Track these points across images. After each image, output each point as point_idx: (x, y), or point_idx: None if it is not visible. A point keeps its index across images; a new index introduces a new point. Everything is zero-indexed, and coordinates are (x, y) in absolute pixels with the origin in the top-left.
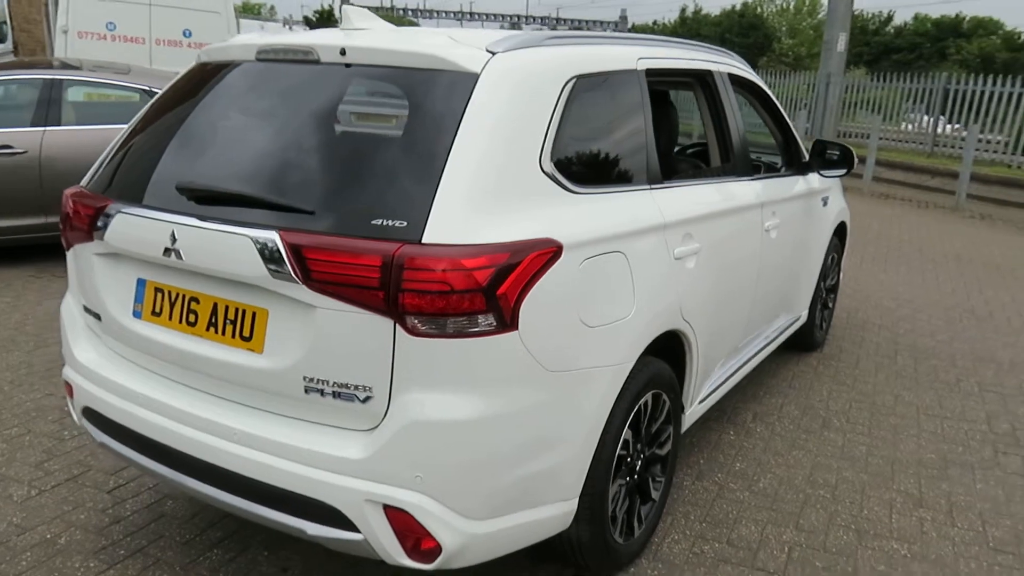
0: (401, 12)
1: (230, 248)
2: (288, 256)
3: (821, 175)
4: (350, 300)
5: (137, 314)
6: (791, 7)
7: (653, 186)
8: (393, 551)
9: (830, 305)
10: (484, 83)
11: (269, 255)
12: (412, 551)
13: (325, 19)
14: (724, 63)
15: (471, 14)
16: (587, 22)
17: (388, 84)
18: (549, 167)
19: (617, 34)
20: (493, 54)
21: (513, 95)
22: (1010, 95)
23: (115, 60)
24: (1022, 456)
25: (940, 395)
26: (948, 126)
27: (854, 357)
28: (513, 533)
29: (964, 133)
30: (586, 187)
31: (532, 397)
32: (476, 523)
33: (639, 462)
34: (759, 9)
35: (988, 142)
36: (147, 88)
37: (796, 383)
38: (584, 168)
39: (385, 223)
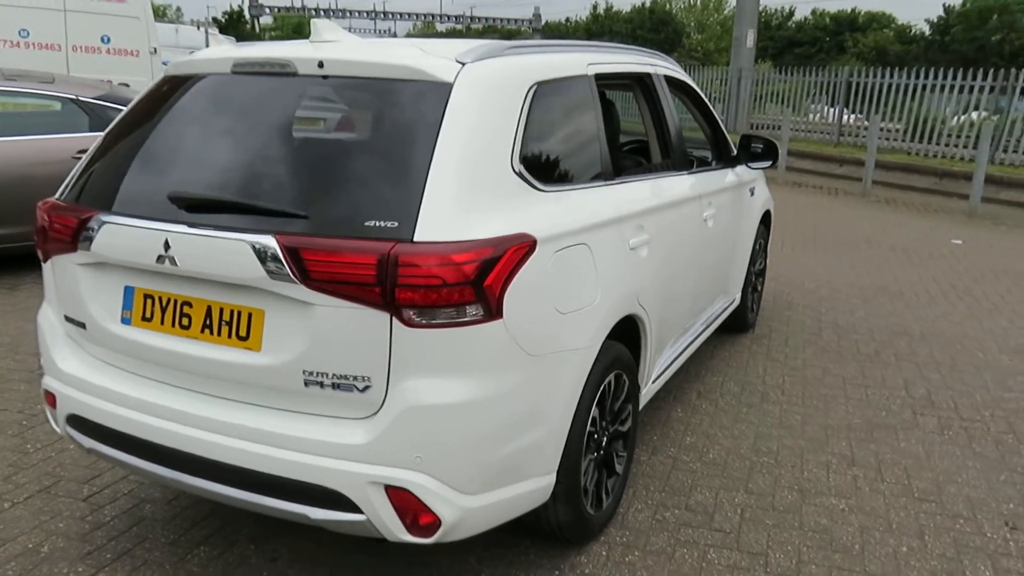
0: (313, 12)
1: (227, 253)
2: (285, 258)
3: (749, 167)
4: (348, 297)
5: (126, 321)
6: (698, 3)
7: (608, 182)
8: (394, 528)
9: (759, 288)
10: (458, 92)
11: (266, 258)
12: (412, 527)
13: (235, 21)
14: (660, 65)
15: (384, 13)
16: (501, 20)
17: (366, 94)
18: (519, 167)
19: (568, 42)
20: (463, 64)
21: (484, 102)
22: (906, 86)
23: (30, 68)
24: (937, 417)
25: (862, 366)
26: (851, 116)
27: (783, 335)
28: (502, 506)
29: (867, 123)
30: (551, 185)
31: (516, 379)
32: (470, 497)
33: (605, 438)
34: (668, 5)
35: (888, 131)
36: (73, 97)
37: (733, 362)
38: (548, 167)
39: (377, 224)
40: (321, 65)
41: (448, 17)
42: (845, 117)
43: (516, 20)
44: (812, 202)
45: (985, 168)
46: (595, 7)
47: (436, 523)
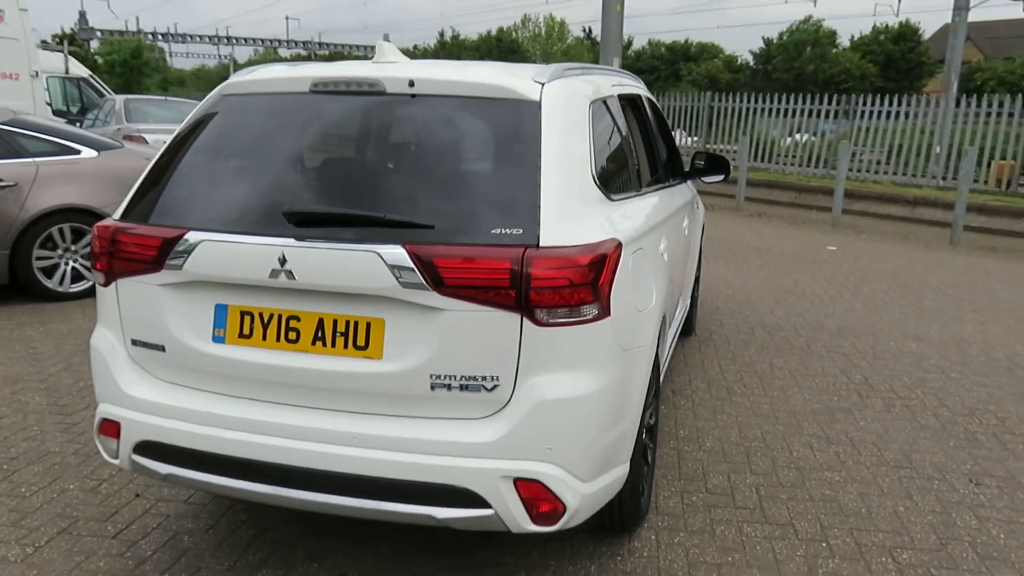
0: (150, 36)
1: (353, 264)
2: (417, 267)
3: (703, 181)
4: (481, 301)
5: (219, 339)
6: (543, 33)
7: (641, 192)
8: (521, 520)
9: (696, 294)
10: (546, 108)
11: (398, 267)
12: (538, 517)
13: (70, 43)
14: (642, 87)
15: (228, 38)
16: (349, 46)
17: (457, 111)
18: (595, 176)
19: (590, 65)
20: (542, 84)
21: (566, 117)
22: (746, 110)
23: None
24: (880, 398)
25: (801, 359)
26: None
27: (723, 336)
28: (601, 493)
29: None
30: (614, 194)
31: (617, 373)
32: (586, 485)
33: (645, 430)
34: (514, 35)
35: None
36: None
37: (690, 362)
38: (609, 177)
39: (503, 231)
40: (412, 84)
41: (295, 43)
42: (685, 140)
43: (364, 47)
44: None
45: (844, 183)
46: (442, 34)
47: (561, 511)
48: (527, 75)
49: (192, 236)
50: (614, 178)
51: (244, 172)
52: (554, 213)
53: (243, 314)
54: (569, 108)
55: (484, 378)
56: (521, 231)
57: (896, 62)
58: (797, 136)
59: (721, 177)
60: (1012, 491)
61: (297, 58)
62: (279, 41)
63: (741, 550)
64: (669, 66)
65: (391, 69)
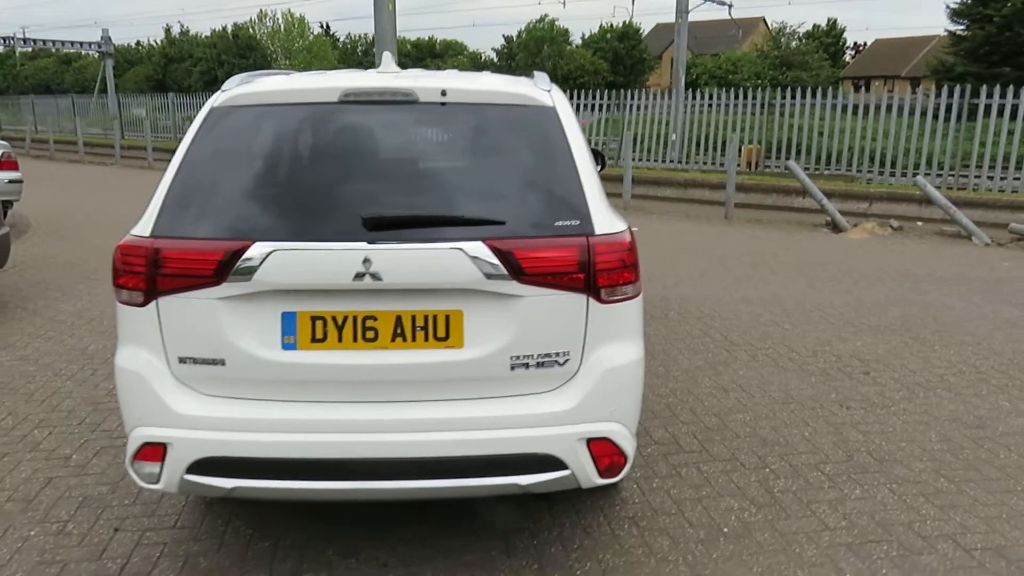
0: None
1: (439, 261)
2: (500, 259)
3: None
4: (554, 285)
5: (289, 346)
6: (282, 29)
7: None
8: (592, 476)
9: None
10: (561, 113)
11: (480, 260)
12: (604, 471)
13: None
14: None
15: None
16: (59, 43)
17: (488, 118)
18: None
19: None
20: (548, 91)
21: (572, 120)
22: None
23: None
24: (744, 351)
25: (666, 325)
26: None
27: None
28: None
29: None
30: None
31: (643, 341)
32: (634, 439)
33: None
34: (251, 30)
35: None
36: None
37: None
38: None
39: (564, 223)
40: (444, 93)
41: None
42: None
43: (80, 43)
44: None
45: (631, 170)
46: (168, 30)
47: (623, 463)
48: (528, 84)
49: (259, 247)
50: None
51: (297, 181)
52: (597, 204)
53: (314, 319)
54: (569, 111)
55: (557, 354)
56: (578, 222)
57: (623, 58)
58: None
59: (599, 169)
60: (872, 409)
61: None
62: None
63: (708, 485)
64: (416, 63)
65: (413, 79)
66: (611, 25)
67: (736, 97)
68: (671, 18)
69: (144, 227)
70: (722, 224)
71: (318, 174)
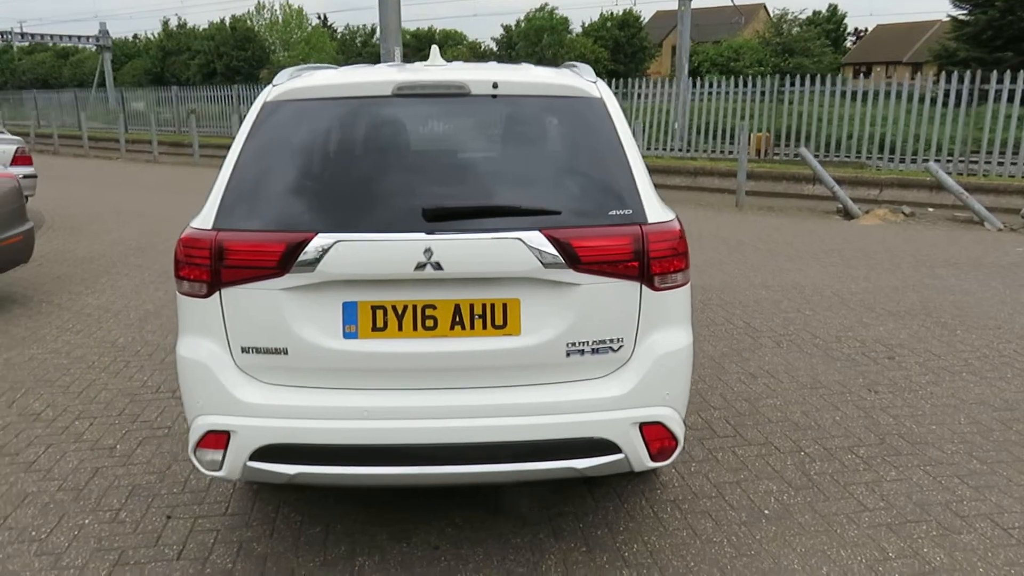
0: None
1: (499, 250)
2: (557, 248)
3: None
4: (609, 273)
5: (350, 335)
6: (280, 21)
7: None
8: (644, 459)
9: None
10: (609, 105)
11: (539, 250)
12: (656, 455)
13: None
14: None
15: None
16: (58, 36)
17: (539, 110)
18: None
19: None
20: (595, 83)
21: (619, 112)
22: None
23: None
24: (768, 337)
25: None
26: None
27: None
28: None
29: None
30: None
31: (691, 327)
32: (683, 424)
33: None
34: (249, 22)
35: None
36: None
37: None
38: None
39: (619, 212)
40: (495, 86)
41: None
42: None
43: (78, 37)
44: None
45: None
46: (166, 23)
47: (674, 447)
48: (573, 75)
49: (322, 239)
50: None
51: (355, 174)
52: (648, 194)
53: (375, 308)
54: (615, 103)
55: (612, 340)
56: (631, 211)
57: (623, 47)
58: None
59: None
60: (900, 393)
61: None
62: None
63: (745, 468)
64: (416, 53)
65: (464, 72)
66: (611, 13)
67: (742, 85)
68: (671, 5)
69: (205, 220)
70: (733, 212)
71: (375, 166)
